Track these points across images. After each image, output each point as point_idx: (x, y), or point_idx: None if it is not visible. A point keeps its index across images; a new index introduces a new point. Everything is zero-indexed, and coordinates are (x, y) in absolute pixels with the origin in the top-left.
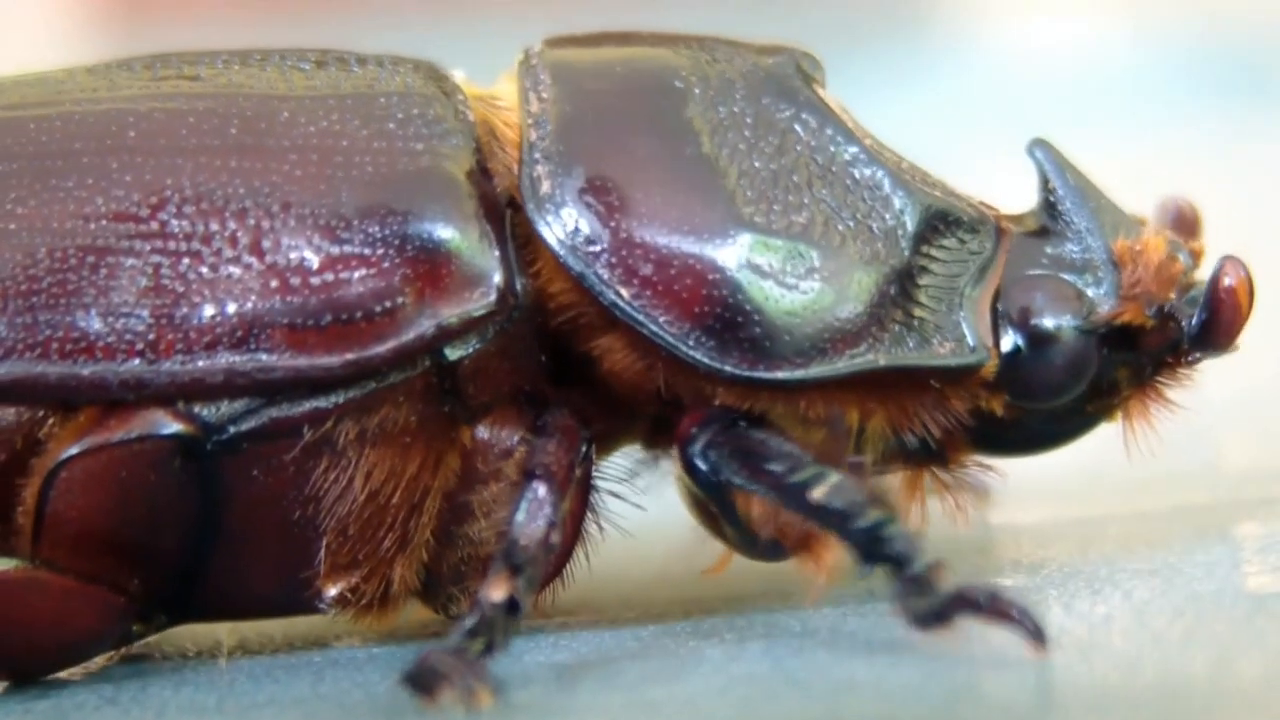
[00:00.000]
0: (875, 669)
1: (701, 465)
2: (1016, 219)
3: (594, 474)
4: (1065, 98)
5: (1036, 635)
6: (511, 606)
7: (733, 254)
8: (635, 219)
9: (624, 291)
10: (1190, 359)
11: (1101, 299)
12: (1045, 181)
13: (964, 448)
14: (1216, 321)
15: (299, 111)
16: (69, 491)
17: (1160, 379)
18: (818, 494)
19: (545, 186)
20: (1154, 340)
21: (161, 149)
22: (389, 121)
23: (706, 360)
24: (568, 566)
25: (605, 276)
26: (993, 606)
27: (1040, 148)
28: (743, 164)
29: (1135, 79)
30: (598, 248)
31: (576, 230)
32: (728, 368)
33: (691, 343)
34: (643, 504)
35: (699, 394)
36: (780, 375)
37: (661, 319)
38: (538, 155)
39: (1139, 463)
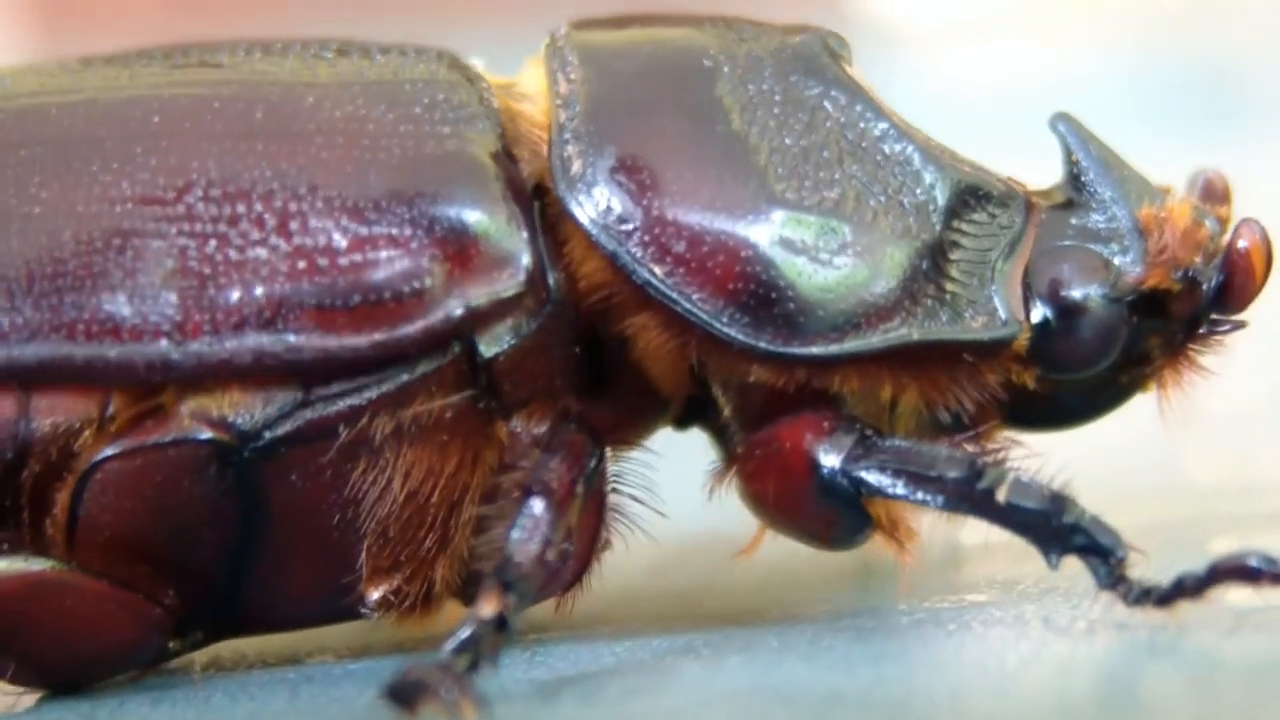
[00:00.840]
0: (859, 683)
1: (843, 483)
2: (1044, 193)
3: (611, 484)
4: (1030, 122)
5: None
6: (501, 624)
7: (765, 231)
8: (667, 197)
9: (657, 270)
10: (1218, 325)
11: (1129, 267)
12: (1069, 154)
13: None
14: (1230, 284)
15: (325, 97)
16: (102, 494)
17: (1193, 346)
18: (1002, 496)
19: (576, 166)
20: (1183, 306)
21: (186, 133)
22: (415, 106)
23: (741, 337)
24: (586, 576)
25: (638, 255)
26: (1271, 569)
27: (1063, 121)
28: (773, 141)
29: (1105, 101)
30: (630, 226)
31: (608, 209)
32: (762, 344)
33: (725, 320)
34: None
35: (733, 372)
36: (815, 351)
37: (695, 296)
38: (568, 135)
39: (1113, 479)
